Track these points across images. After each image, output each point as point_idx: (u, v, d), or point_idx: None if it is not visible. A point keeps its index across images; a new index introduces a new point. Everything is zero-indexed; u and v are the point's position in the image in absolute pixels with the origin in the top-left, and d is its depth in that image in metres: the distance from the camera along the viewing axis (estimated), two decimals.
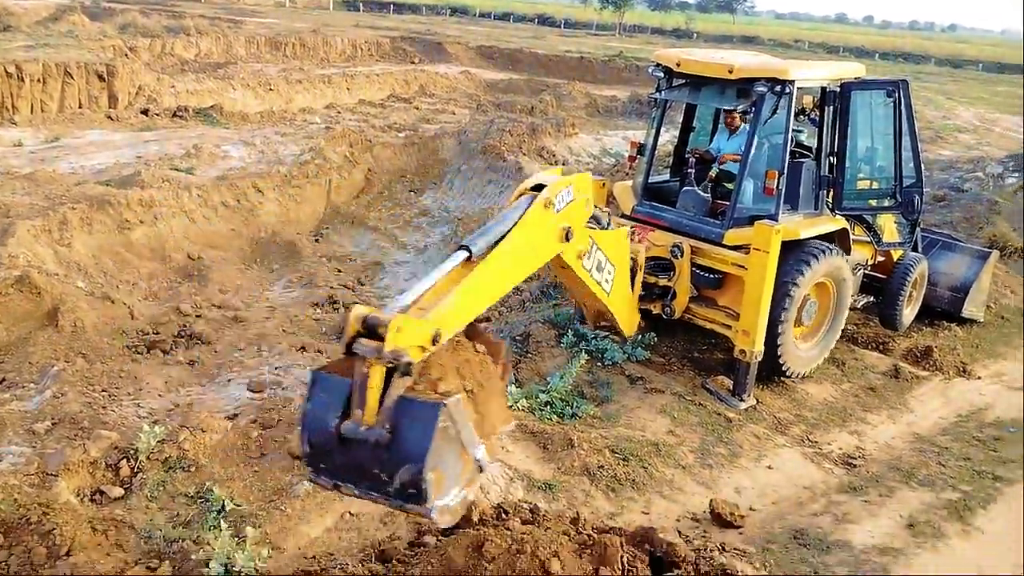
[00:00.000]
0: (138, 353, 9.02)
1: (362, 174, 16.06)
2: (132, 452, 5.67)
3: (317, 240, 13.52)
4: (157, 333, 9.44)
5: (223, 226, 12.73)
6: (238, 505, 5.33)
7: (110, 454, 5.71)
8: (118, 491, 5.41)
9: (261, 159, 15.43)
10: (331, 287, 11.37)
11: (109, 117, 18.60)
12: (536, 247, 5.26)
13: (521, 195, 5.28)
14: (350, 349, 3.69)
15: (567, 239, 5.55)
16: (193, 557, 4.74)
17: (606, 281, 6.60)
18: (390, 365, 3.64)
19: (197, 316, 9.98)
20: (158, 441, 5.78)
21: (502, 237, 4.77)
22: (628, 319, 7.43)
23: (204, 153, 15.04)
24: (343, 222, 14.37)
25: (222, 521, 5.07)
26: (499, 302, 10.25)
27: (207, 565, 4.63)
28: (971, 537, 6.09)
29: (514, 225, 4.88)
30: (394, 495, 3.65)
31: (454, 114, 24.31)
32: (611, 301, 6.83)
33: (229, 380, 8.43)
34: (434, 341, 3.91)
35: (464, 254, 4.51)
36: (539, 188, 5.27)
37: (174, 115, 19.47)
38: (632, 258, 7.28)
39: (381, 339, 3.61)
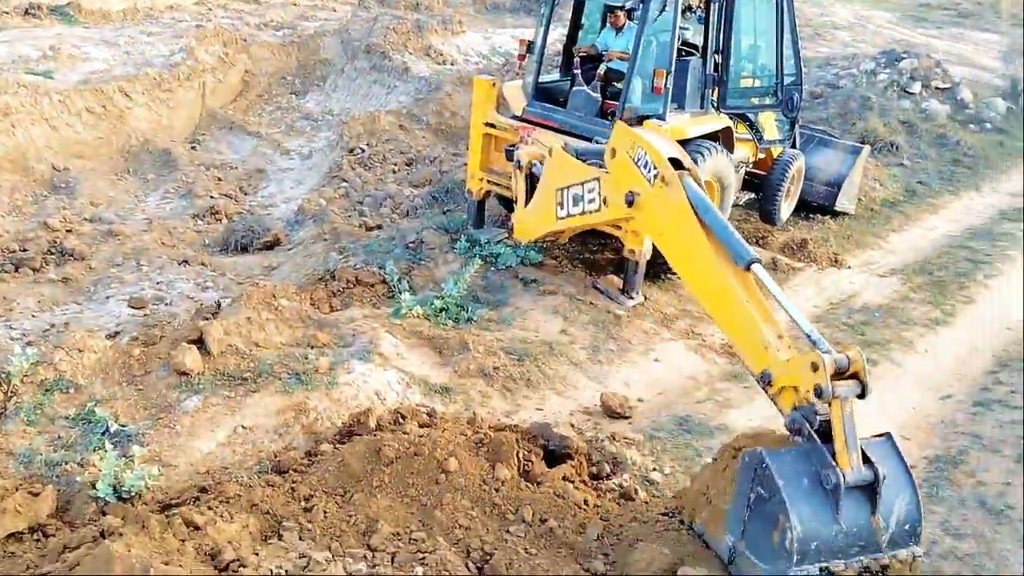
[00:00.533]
0: (5, 272, 8.47)
1: (239, 76, 15.22)
2: (4, 376, 5.38)
3: (194, 147, 12.84)
4: (25, 250, 8.87)
5: (89, 134, 11.90)
6: (123, 425, 5.16)
7: None
8: None
9: (127, 61, 14.35)
10: (212, 197, 10.89)
11: None
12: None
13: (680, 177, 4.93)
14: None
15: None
16: (79, 480, 4.59)
17: (590, 202, 6.10)
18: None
19: (68, 231, 9.42)
20: (32, 363, 5.50)
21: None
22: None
23: (63, 55, 13.86)
24: (221, 128, 13.66)
25: (107, 442, 4.91)
26: (391, 209, 10.10)
27: (94, 487, 4.50)
28: None
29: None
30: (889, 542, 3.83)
31: (335, 11, 23.11)
32: (608, 214, 6.09)
33: (107, 297, 8.06)
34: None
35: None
36: (678, 164, 4.99)
37: (26, 13, 17.73)
38: (517, 160, 7.26)
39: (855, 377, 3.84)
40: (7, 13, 17.49)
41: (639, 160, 5.11)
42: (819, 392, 3.78)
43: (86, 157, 11.58)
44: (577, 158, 6.26)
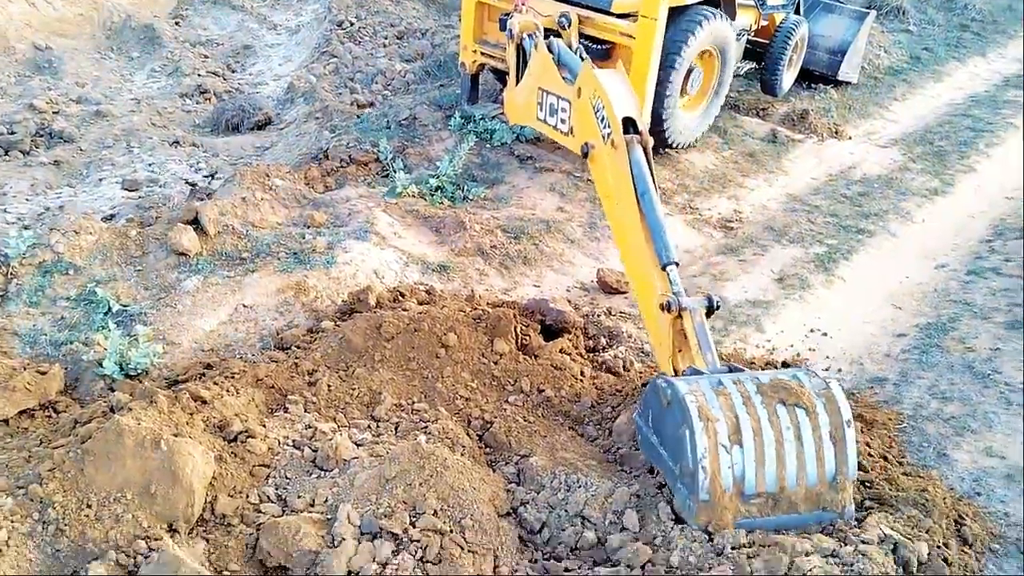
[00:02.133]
0: None
1: None
2: (3, 258, 5.39)
3: (177, 23, 12.40)
4: (13, 133, 8.70)
5: (69, 11, 11.47)
6: (125, 305, 5.22)
7: None
8: None
9: None
10: (199, 75, 10.61)
11: None
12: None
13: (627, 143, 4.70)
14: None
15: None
16: (85, 359, 4.68)
17: (562, 121, 5.81)
18: None
19: (55, 113, 9.22)
20: (30, 245, 5.50)
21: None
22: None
23: None
24: (204, 2, 13.16)
25: (110, 321, 4.98)
26: (383, 85, 9.86)
27: (100, 365, 4.59)
28: (834, 286, 6.63)
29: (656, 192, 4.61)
30: None
31: None
32: (574, 139, 5.75)
33: (100, 179, 7.97)
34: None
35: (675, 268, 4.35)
36: (631, 124, 4.72)
37: None
38: (509, 31, 7.01)
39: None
40: None
41: (598, 112, 4.86)
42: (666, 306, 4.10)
43: (68, 35, 11.20)
44: (558, 64, 5.83)
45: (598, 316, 5.85)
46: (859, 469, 4.22)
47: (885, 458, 4.47)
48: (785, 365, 5.37)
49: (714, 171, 8.35)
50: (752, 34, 9.22)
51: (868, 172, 8.64)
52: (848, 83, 10.51)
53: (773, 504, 3.64)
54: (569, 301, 6.05)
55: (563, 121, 5.66)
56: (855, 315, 6.21)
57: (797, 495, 3.64)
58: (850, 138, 9.41)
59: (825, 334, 5.95)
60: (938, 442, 4.77)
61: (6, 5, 10.80)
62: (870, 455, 4.41)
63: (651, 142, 4.73)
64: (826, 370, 5.55)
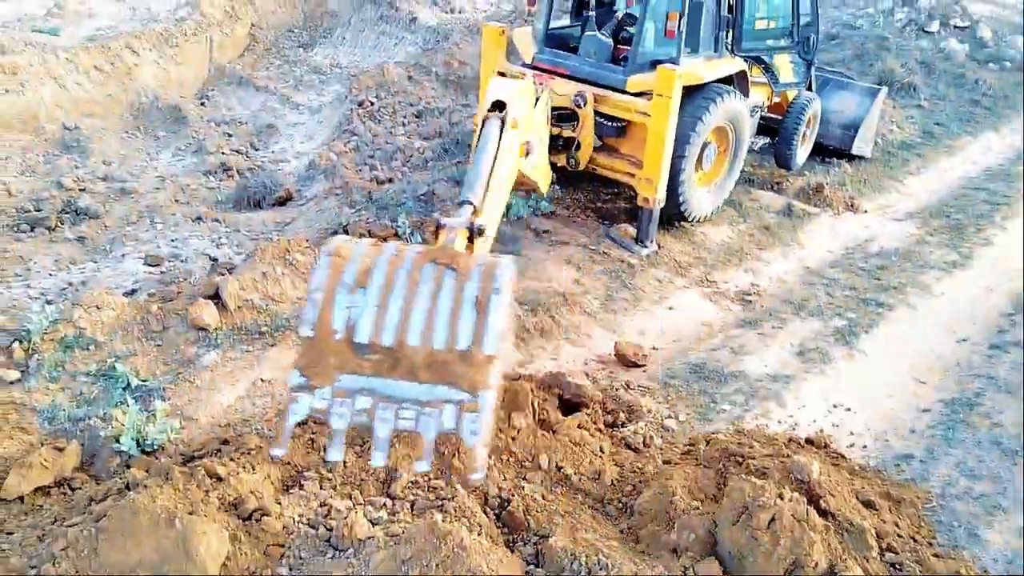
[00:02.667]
0: (21, 232, 8.52)
1: (245, 30, 15.06)
2: (25, 334, 5.44)
3: (203, 103, 12.76)
4: (40, 210, 8.91)
5: (98, 92, 11.85)
6: (144, 380, 5.23)
7: (0, 336, 5.47)
8: (14, 374, 5.22)
9: (133, 16, 14.22)
10: (223, 153, 10.86)
11: None
12: (512, 170, 5.33)
13: (485, 119, 5.06)
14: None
15: (527, 152, 5.65)
16: (102, 434, 4.67)
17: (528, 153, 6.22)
18: None
19: (81, 190, 9.44)
20: (52, 321, 5.55)
21: (489, 175, 4.73)
22: (545, 179, 7.39)
23: (68, 12, 13.75)
24: (229, 83, 13.56)
25: (129, 397, 4.98)
26: (401, 162, 10.04)
27: (118, 441, 4.58)
28: (855, 359, 6.55)
29: (495, 161, 4.83)
30: None
31: None
32: (533, 171, 6.56)
33: (123, 255, 8.10)
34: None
35: (470, 208, 4.38)
36: (499, 106, 5.04)
37: None
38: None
39: None
40: None
41: None
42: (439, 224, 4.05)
43: (96, 115, 11.54)
44: None
45: (616, 390, 5.80)
46: (888, 551, 4.10)
47: (914, 539, 4.34)
48: (809, 442, 5.27)
49: (730, 244, 8.37)
50: (766, 110, 9.36)
51: (885, 245, 8.63)
52: (862, 157, 10.59)
53: (391, 365, 3.19)
54: (587, 374, 6.02)
55: None
56: (878, 389, 6.12)
57: (418, 358, 3.18)
58: (865, 211, 9.44)
59: (848, 409, 5.86)
60: (969, 522, 4.64)
61: (38, 87, 11.17)
62: (899, 535, 4.29)
63: (512, 122, 5.10)
64: (850, 446, 5.45)
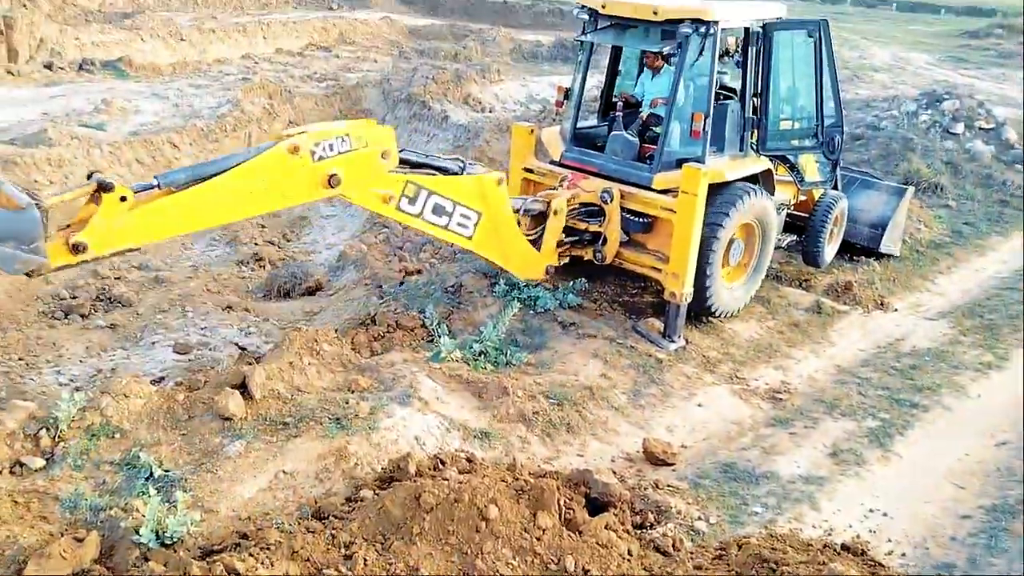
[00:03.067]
0: (55, 319, 8.68)
1: (283, 126, 15.57)
2: (52, 421, 5.46)
3: None
4: (75, 297, 9.09)
5: (139, 184, 12.22)
6: (166, 470, 5.20)
7: (29, 424, 5.49)
8: (39, 462, 5.22)
9: (176, 113, 14.81)
10: (256, 244, 11.09)
11: (9, 72, 17.51)
12: (275, 188, 5.57)
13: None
14: None
15: (332, 185, 5.79)
16: (122, 525, 4.61)
17: (460, 225, 6.76)
18: None
19: (116, 278, 9.64)
20: (79, 408, 5.57)
21: (214, 175, 5.24)
22: (520, 263, 7.50)
23: (114, 108, 14.36)
24: None
25: (151, 487, 4.94)
26: (430, 253, 10.16)
27: (137, 532, 4.52)
28: (890, 462, 6.37)
29: (237, 165, 5.33)
30: None
31: (376, 62, 23.69)
32: (476, 245, 7.03)
33: (153, 343, 8.19)
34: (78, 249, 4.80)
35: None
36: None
37: (80, 68, 18.45)
38: (546, 203, 7.29)
39: None
40: (63, 68, 18.22)
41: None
42: None
43: None
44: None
45: (645, 489, 5.66)
46: None
47: None
48: (845, 548, 5.07)
49: (759, 341, 8.29)
50: (792, 208, 9.43)
51: (918, 345, 8.51)
52: (891, 256, 10.57)
53: None
54: (614, 472, 5.88)
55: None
56: (915, 494, 5.92)
57: None
58: (896, 310, 9.35)
59: (885, 514, 5.66)
60: None
61: (81, 179, 11.55)
62: None
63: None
64: (888, 554, 5.23)
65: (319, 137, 5.71)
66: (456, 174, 6.73)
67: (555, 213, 7.52)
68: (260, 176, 5.44)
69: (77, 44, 20.68)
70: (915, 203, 11.66)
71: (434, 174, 6.59)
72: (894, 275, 10.26)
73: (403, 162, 6.43)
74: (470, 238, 6.93)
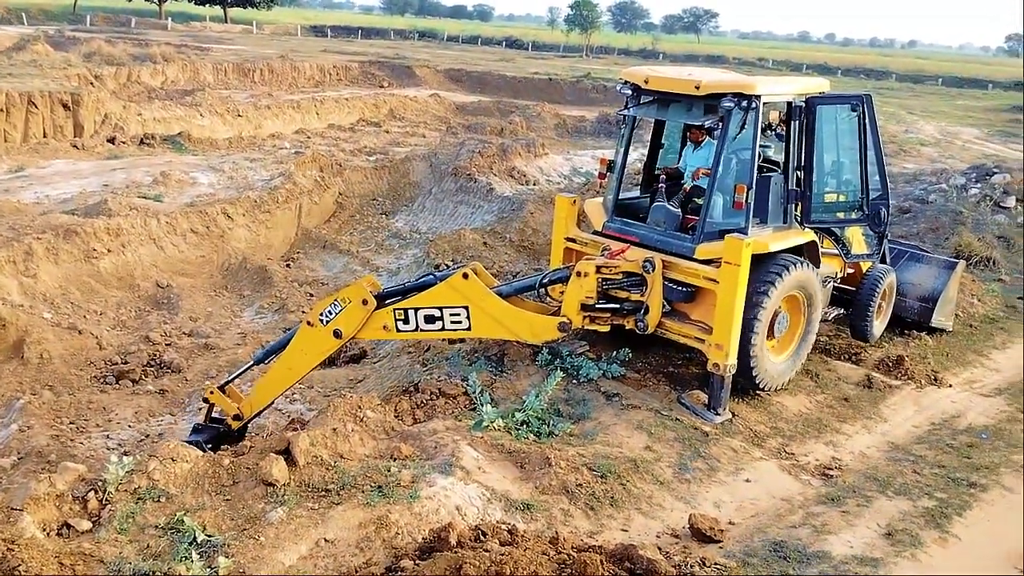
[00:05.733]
0: (106, 384, 8.87)
1: (333, 198, 16.01)
2: (100, 484, 5.53)
3: (288, 265, 13.42)
4: (126, 363, 9.30)
5: (192, 253, 12.60)
6: (210, 535, 5.21)
7: (77, 486, 5.58)
8: (86, 524, 5.28)
9: (230, 185, 15.32)
10: (303, 311, 11.25)
11: (75, 146, 18.38)
12: (305, 352, 7.26)
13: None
14: None
15: (338, 336, 7.19)
16: None
17: (453, 323, 7.33)
18: None
19: (167, 345, 9.85)
20: (127, 472, 5.65)
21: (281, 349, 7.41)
22: (529, 330, 7.55)
23: (172, 180, 14.92)
24: (314, 246, 14.28)
25: (194, 552, 4.95)
26: None
27: None
28: (949, 544, 6.11)
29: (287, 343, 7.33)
30: None
31: (424, 137, 24.34)
32: (476, 332, 7.60)
33: (200, 408, 8.29)
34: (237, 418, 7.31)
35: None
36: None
37: (141, 143, 19.29)
38: (576, 271, 7.49)
39: None
40: (125, 143, 19.05)
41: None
42: None
43: (188, 274, 12.22)
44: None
45: (691, 567, 5.50)
46: None
47: None
48: None
49: (808, 415, 8.12)
50: (839, 280, 9.33)
51: (974, 422, 8.24)
52: (943, 330, 10.34)
53: None
54: (659, 548, 5.73)
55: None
56: None
57: None
58: (950, 386, 9.10)
59: None
60: None
61: (138, 248, 11.95)
62: None
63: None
64: None
65: (320, 307, 7.23)
66: (433, 284, 7.44)
67: (579, 275, 7.52)
68: (297, 348, 7.28)
69: (139, 120, 21.66)
70: (967, 277, 11.47)
71: (414, 294, 7.43)
72: (947, 350, 10.03)
73: (390, 295, 7.50)
74: (468, 329, 7.42)
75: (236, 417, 7.25)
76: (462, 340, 9.58)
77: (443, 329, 7.38)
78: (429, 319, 7.30)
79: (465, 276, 7.30)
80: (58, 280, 10.81)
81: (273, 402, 7.58)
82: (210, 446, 6.84)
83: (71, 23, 58.04)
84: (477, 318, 7.32)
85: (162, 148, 18.95)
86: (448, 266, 12.23)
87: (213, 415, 7.35)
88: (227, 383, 7.43)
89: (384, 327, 7.33)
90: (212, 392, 7.33)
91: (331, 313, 7.15)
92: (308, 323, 7.20)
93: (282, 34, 71.28)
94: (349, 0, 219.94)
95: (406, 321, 7.29)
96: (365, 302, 7.17)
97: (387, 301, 7.37)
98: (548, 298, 7.85)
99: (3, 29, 44.95)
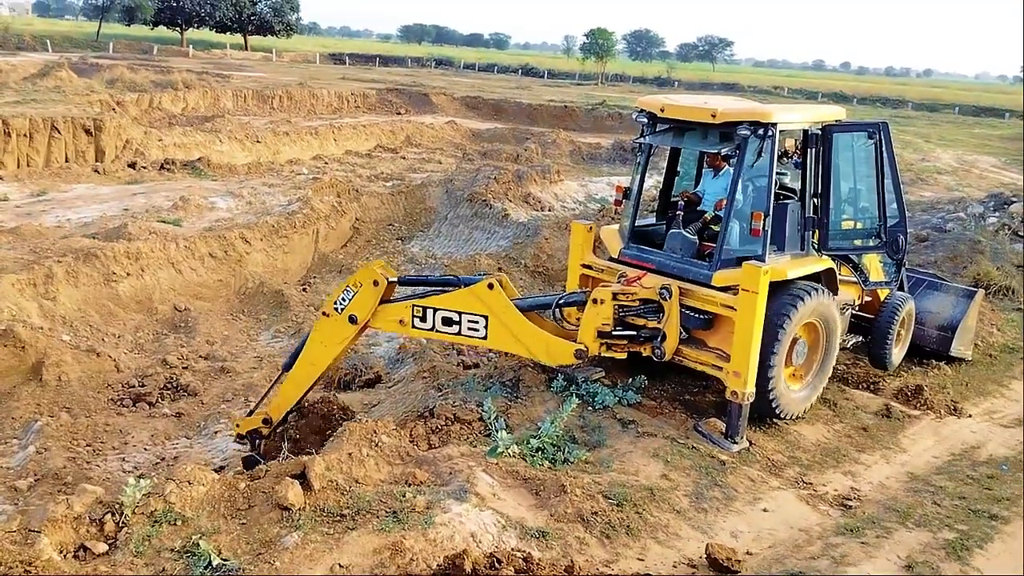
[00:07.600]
0: (123, 406, 8.91)
1: (349, 223, 16.12)
2: (117, 507, 5.54)
3: (305, 289, 13.48)
4: (143, 386, 9.35)
5: (210, 277, 12.69)
6: (225, 560, 5.20)
7: (94, 509, 5.58)
8: (102, 547, 5.28)
9: (248, 210, 15.46)
10: None
11: (96, 171, 18.65)
12: (325, 343, 7.29)
13: None
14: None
15: (353, 321, 7.19)
16: None
17: (471, 329, 7.34)
18: None
19: (184, 368, 9.90)
20: (143, 495, 5.65)
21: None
22: (544, 351, 7.51)
23: (191, 205, 15.07)
24: (331, 271, 14.36)
25: None
26: (487, 348, 10.22)
27: None
28: None
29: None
30: None
31: (440, 163, 24.52)
32: (492, 343, 7.55)
33: (216, 431, 8.32)
34: (266, 423, 7.43)
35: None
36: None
37: (161, 168, 19.54)
38: (592, 297, 7.46)
39: None
40: (145, 168, 19.29)
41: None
42: None
43: (206, 298, 12.30)
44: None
45: None
46: None
47: None
48: None
49: (826, 444, 8.04)
50: (857, 308, 9.28)
51: (995, 453, 8.14)
52: (962, 359, 10.24)
53: None
54: None
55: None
56: None
57: None
58: (970, 416, 9.00)
59: None
60: None
61: (156, 271, 12.06)
62: None
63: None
64: None
65: (335, 295, 7.28)
66: (456, 285, 7.50)
67: (594, 302, 7.51)
68: (316, 339, 7.32)
69: (160, 145, 21.96)
70: (986, 306, 11.37)
71: (437, 292, 7.48)
72: (967, 380, 9.93)
73: (409, 283, 7.71)
74: (484, 339, 7.42)
75: (266, 422, 7.38)
76: (477, 365, 9.60)
77: (459, 334, 7.40)
78: (447, 321, 7.33)
79: (491, 287, 7.29)
80: (77, 303, 10.91)
81: (300, 401, 7.57)
82: (259, 454, 7.31)
83: (94, 50, 59.11)
84: (495, 329, 7.32)
85: (182, 173, 19.19)
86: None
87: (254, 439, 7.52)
88: (252, 412, 7.55)
89: (400, 321, 7.37)
90: (238, 426, 7.45)
91: (344, 300, 7.20)
92: (324, 314, 7.25)
93: (301, 62, 72.24)
94: (367, 28, 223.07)
95: (423, 319, 7.33)
96: (376, 283, 7.22)
97: (404, 291, 7.46)
98: (563, 321, 7.84)
99: (28, 56, 45.83)
